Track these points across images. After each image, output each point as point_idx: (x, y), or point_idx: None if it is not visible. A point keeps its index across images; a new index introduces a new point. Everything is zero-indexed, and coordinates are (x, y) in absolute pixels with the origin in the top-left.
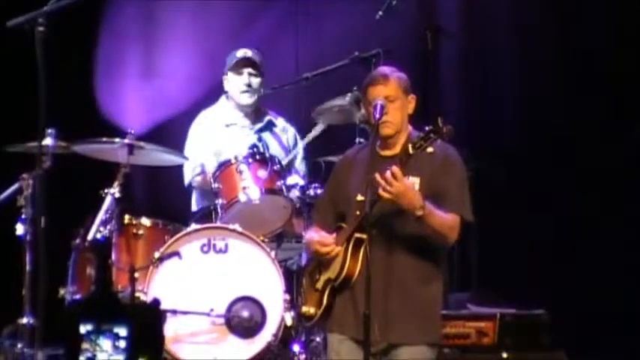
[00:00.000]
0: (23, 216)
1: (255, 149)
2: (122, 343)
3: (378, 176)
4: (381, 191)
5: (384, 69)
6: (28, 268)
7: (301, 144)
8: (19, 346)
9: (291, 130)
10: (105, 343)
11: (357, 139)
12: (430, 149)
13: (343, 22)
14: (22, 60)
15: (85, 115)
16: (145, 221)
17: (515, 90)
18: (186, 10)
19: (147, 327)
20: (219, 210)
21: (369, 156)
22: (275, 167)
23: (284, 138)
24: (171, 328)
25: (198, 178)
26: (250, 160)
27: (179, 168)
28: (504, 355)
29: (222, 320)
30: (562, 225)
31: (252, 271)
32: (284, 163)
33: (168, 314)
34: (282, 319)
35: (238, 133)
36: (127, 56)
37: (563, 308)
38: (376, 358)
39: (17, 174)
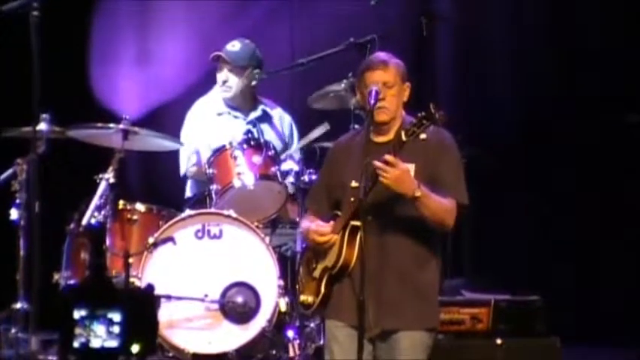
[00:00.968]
0: (17, 201)
1: (249, 135)
2: (116, 329)
3: (377, 162)
4: (380, 173)
5: (382, 55)
6: (22, 253)
7: (296, 134)
8: (13, 330)
9: (287, 119)
10: (99, 328)
11: (352, 125)
12: (423, 135)
13: (338, 8)
14: (16, 45)
15: (80, 101)
16: (140, 207)
17: (511, 76)
18: None
19: (141, 312)
20: (213, 196)
21: (363, 142)
22: (270, 153)
23: (280, 127)
24: (165, 313)
25: (193, 169)
26: (245, 145)
27: (174, 154)
28: (498, 341)
29: (216, 306)
30: (557, 211)
31: (246, 257)
32: (289, 152)
33: (163, 300)
34: (277, 305)
35: (231, 122)
36: (121, 41)
37: (558, 295)
38: (372, 344)
39: (12, 159)
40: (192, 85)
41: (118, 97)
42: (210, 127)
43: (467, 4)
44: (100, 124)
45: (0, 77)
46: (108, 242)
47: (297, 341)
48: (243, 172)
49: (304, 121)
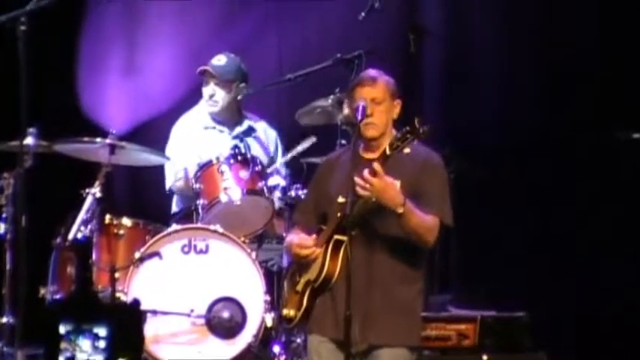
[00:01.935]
0: (4, 215)
1: (236, 150)
2: (102, 343)
3: (356, 178)
4: (358, 189)
5: (373, 71)
6: (8, 266)
7: (281, 148)
8: None
9: (272, 133)
10: (84, 343)
11: (339, 141)
12: (407, 150)
13: (326, 23)
14: (3, 58)
15: (67, 115)
16: (126, 221)
17: (498, 90)
18: (169, 8)
19: (127, 327)
20: (200, 210)
21: (352, 158)
22: (256, 168)
23: (265, 141)
24: (151, 328)
25: (179, 183)
26: (232, 160)
27: (160, 168)
28: (485, 357)
29: (202, 321)
30: (543, 226)
31: (232, 272)
32: (274, 166)
33: (149, 314)
34: (263, 320)
35: (217, 136)
36: (109, 55)
37: (544, 310)
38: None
39: None
40: (180, 99)
41: (106, 111)
42: (196, 142)
43: (455, 18)
44: (86, 139)
45: None
46: (94, 257)
47: (284, 357)
48: (230, 187)
49: (291, 137)
